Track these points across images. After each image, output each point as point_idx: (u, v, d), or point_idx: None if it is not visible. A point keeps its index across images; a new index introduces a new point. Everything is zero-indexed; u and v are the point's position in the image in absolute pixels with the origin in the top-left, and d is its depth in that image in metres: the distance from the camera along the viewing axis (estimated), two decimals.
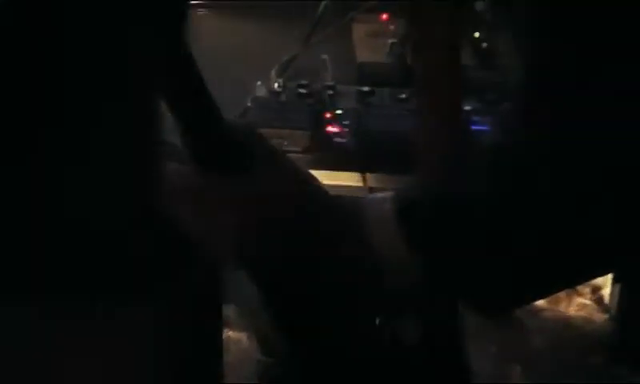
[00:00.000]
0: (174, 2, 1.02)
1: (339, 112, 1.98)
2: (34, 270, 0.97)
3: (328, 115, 1.98)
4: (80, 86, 0.95)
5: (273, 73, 2.12)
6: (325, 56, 2.18)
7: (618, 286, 1.86)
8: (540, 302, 1.88)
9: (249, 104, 2.01)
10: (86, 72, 0.94)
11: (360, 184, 1.88)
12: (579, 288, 1.94)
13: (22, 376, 0.98)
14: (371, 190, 1.84)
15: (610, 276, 1.85)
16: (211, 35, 2.24)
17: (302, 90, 2.04)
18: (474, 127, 1.80)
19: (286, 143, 1.89)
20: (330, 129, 1.96)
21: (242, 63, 2.14)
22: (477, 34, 2.12)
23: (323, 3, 2.24)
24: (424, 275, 1.10)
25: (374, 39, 2.25)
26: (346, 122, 1.96)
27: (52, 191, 0.98)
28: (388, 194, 1.17)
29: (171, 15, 1.01)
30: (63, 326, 1.01)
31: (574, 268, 1.10)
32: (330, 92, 2.05)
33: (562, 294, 1.92)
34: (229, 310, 1.87)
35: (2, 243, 0.93)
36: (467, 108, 1.81)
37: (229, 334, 1.85)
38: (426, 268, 1.10)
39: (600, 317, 1.91)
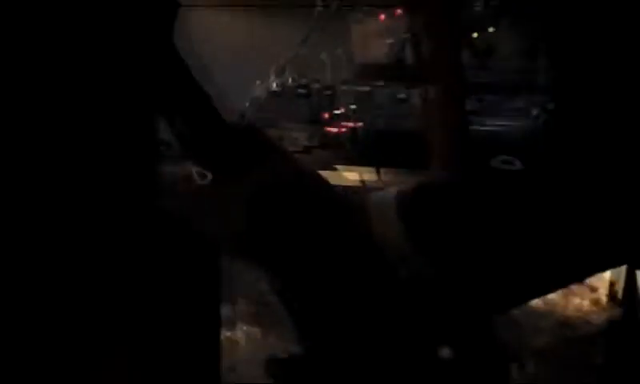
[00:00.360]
0: (165, 6, 1.04)
1: (338, 112, 2.02)
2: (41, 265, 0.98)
3: (327, 115, 2.01)
4: (77, 88, 0.96)
5: (272, 73, 2.15)
6: (324, 57, 2.20)
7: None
8: (538, 304, 1.90)
9: (247, 104, 2.04)
10: (81, 75, 0.96)
11: (358, 181, 1.91)
12: (575, 289, 1.96)
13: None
14: (365, 184, 1.87)
15: (606, 276, 1.88)
16: (211, 34, 2.26)
17: (301, 90, 2.07)
18: (473, 126, 1.82)
19: (285, 143, 1.91)
20: (329, 128, 1.99)
21: (242, 63, 2.16)
22: (475, 35, 2.15)
23: (318, 8, 2.28)
24: (428, 268, 1.11)
25: (373, 40, 2.28)
26: (345, 122, 1.99)
27: (51, 190, 0.99)
28: (391, 191, 1.18)
29: (162, 21, 1.03)
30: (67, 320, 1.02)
31: (578, 263, 1.12)
32: (329, 92, 2.08)
33: (558, 296, 1.94)
34: (242, 305, 1.90)
35: None
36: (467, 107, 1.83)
37: (243, 328, 1.87)
38: (430, 261, 1.11)
39: (597, 317, 1.94)
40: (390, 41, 2.21)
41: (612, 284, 1.95)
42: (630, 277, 1.45)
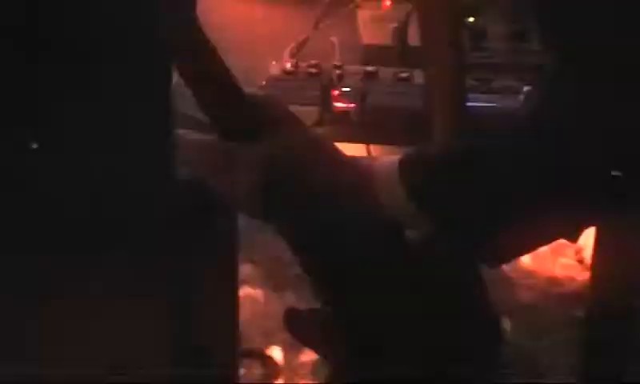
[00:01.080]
0: None
1: (346, 89, 2.14)
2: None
3: (336, 92, 2.14)
4: (98, 60, 1.04)
5: (286, 54, 2.27)
6: (333, 39, 2.33)
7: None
8: (528, 263, 2.04)
9: (263, 82, 2.16)
10: (104, 46, 1.04)
11: (365, 155, 2.03)
12: (563, 250, 2.09)
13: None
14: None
15: (591, 237, 1.98)
16: (229, 19, 2.36)
17: (313, 70, 2.20)
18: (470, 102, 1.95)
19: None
20: (338, 105, 2.12)
21: (257, 45, 2.27)
22: (471, 19, 2.30)
23: None
24: (429, 229, 1.21)
25: (378, 23, 2.40)
26: (353, 99, 2.12)
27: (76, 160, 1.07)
28: (396, 157, 1.30)
29: None
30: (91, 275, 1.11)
31: (565, 221, 1.22)
32: (338, 71, 2.20)
33: (547, 255, 2.07)
34: (246, 269, 2.01)
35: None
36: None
37: (246, 290, 1.99)
38: (430, 222, 1.21)
39: (582, 275, 2.05)
40: (394, 24, 2.33)
41: (578, 251, 2.05)
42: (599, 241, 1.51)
